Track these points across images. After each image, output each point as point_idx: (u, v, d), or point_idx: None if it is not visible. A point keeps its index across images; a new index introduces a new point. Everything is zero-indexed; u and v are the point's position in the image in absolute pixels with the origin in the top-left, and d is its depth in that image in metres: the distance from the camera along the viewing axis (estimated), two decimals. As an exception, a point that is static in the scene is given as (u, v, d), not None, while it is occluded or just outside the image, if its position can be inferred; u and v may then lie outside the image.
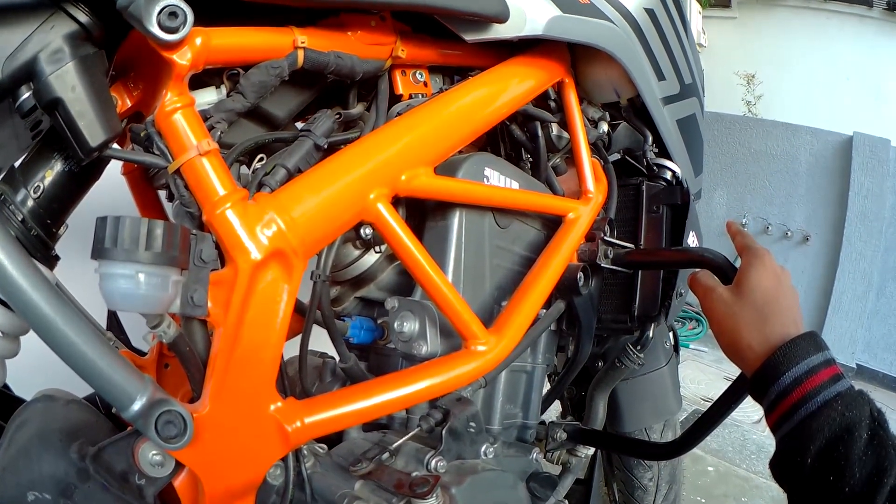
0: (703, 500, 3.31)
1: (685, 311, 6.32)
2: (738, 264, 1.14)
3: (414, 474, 0.94)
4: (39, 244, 0.87)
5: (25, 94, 0.77)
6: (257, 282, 0.82)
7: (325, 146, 1.00)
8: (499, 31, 1.16)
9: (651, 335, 1.55)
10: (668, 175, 1.73)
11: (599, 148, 1.62)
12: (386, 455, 0.98)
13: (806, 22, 7.12)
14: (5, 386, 1.02)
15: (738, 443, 3.98)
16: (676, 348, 2.02)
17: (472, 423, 1.05)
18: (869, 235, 5.66)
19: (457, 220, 1.15)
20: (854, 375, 5.63)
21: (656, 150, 1.74)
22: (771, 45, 7.18)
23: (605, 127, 1.64)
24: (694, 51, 1.83)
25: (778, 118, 6.34)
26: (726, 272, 1.20)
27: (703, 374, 5.09)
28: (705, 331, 6.14)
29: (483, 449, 1.05)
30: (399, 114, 1.13)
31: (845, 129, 5.82)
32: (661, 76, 1.57)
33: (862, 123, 5.89)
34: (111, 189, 1.13)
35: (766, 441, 4.05)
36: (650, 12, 1.49)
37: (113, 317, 1.28)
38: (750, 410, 4.41)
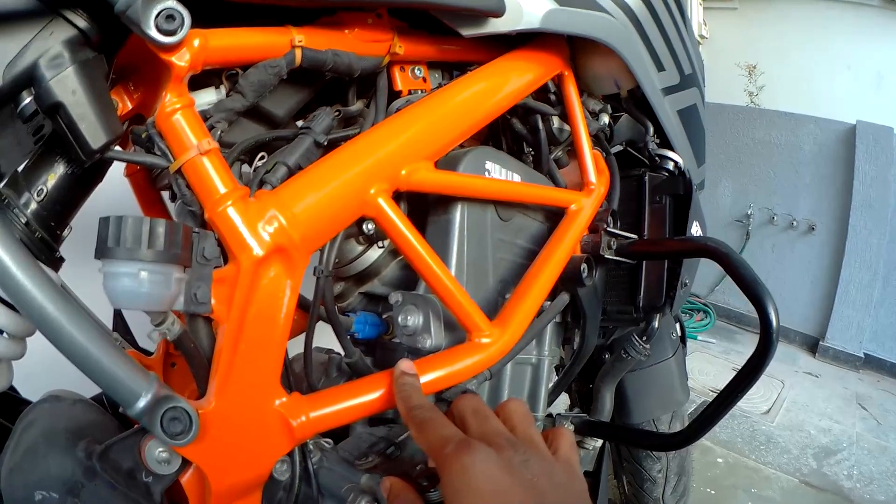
0: (712, 492, 3.32)
1: (693, 302, 6.34)
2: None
3: (419, 467, 0.94)
4: (44, 247, 0.87)
5: (27, 100, 0.78)
6: (260, 278, 0.83)
7: (325, 143, 1.01)
8: (495, 26, 1.16)
9: (657, 326, 1.55)
10: (671, 165, 1.74)
11: (601, 140, 1.63)
12: (392, 448, 0.99)
13: (806, 11, 7.11)
14: (12, 388, 1.03)
15: (747, 434, 3.98)
16: (683, 339, 2.03)
17: (478, 416, 1.06)
18: (874, 224, 5.66)
19: (458, 213, 1.15)
20: (861, 365, 5.64)
21: (658, 141, 1.75)
22: (772, 35, 7.18)
23: (606, 119, 1.64)
24: (693, 40, 1.83)
25: (780, 108, 6.35)
26: (730, 261, 1.20)
27: (711, 365, 5.10)
28: (713, 322, 6.15)
29: None
30: (398, 110, 1.13)
31: (848, 118, 5.83)
32: (660, 67, 1.57)
33: (865, 112, 5.89)
34: (115, 191, 1.13)
35: (775, 432, 4.06)
36: (648, 3, 1.49)
37: (119, 317, 1.28)
38: (759, 401, 4.41)
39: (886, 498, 3.55)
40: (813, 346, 5.95)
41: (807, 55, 7.03)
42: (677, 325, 2.00)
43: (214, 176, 0.83)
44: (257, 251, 0.82)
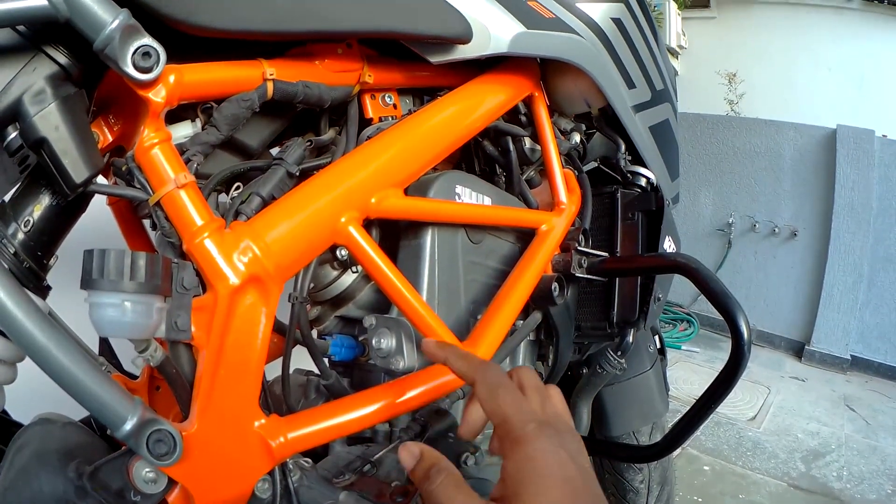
0: (699, 500, 3.34)
1: (676, 312, 6.36)
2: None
3: (394, 484, 0.97)
4: (32, 276, 0.90)
5: (12, 134, 0.80)
6: (236, 306, 0.86)
7: (297, 173, 1.04)
8: (463, 52, 1.19)
9: (631, 340, 1.56)
10: (643, 182, 1.76)
11: (573, 158, 1.65)
12: (368, 466, 1.01)
13: (785, 17, 7.17)
14: (4, 411, 1.05)
15: (733, 441, 4.00)
16: (662, 351, 2.04)
17: (451, 434, 1.09)
18: (857, 227, 5.71)
19: (429, 238, 1.18)
20: (849, 367, 5.67)
21: (630, 158, 1.77)
22: (751, 42, 7.24)
23: (577, 137, 1.66)
24: (664, 55, 1.84)
25: (761, 115, 6.38)
26: (700, 276, 1.22)
27: (695, 374, 5.12)
28: (696, 332, 6.18)
29: (463, 458, 1.08)
30: (369, 137, 1.15)
31: (829, 123, 5.87)
32: (631, 84, 1.60)
33: (846, 116, 5.94)
34: (99, 219, 1.16)
35: (762, 437, 4.08)
36: (617, 22, 1.51)
37: (105, 343, 1.30)
38: (744, 408, 4.43)
39: (878, 496, 3.57)
40: (799, 350, 5.99)
41: (788, 60, 7.09)
42: (656, 338, 2.01)
43: (191, 208, 0.86)
44: (233, 280, 0.85)
